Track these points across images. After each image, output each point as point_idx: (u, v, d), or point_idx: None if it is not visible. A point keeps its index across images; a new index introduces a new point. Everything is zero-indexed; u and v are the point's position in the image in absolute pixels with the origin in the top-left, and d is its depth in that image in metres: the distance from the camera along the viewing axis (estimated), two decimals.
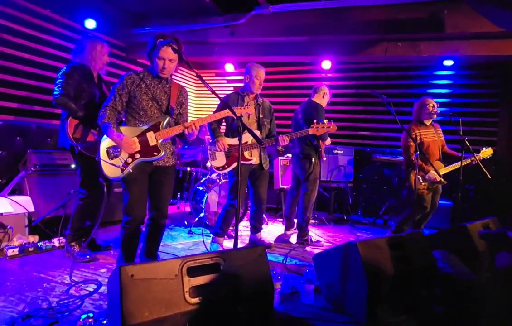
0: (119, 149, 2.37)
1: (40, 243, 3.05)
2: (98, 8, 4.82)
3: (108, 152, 2.39)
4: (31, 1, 4.05)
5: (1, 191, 3.41)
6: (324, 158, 3.74)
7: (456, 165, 3.63)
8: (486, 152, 3.72)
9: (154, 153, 2.40)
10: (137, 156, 2.38)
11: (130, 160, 2.37)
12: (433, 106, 3.71)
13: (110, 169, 2.37)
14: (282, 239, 3.97)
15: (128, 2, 5.06)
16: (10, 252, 2.83)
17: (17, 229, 3.09)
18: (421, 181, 3.59)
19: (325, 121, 3.44)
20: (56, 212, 3.43)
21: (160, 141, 2.41)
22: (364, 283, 1.98)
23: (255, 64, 3.34)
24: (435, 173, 3.43)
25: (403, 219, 3.79)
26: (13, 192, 3.42)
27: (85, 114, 2.85)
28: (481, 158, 3.65)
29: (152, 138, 2.39)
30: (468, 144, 3.64)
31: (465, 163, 3.60)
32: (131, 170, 2.37)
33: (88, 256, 2.91)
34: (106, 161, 2.38)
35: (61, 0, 4.43)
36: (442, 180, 3.54)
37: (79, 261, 2.84)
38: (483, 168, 3.59)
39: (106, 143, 2.40)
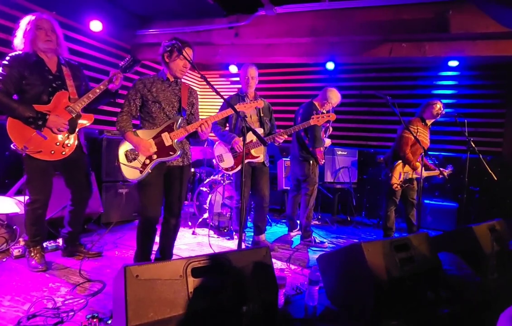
0: (137, 152, 2.44)
1: (46, 243, 3.05)
2: (104, 10, 4.84)
3: (126, 155, 2.47)
4: (37, 3, 4.07)
5: (7, 191, 3.44)
6: (322, 162, 3.77)
7: (434, 172, 3.96)
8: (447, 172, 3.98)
9: (170, 153, 2.46)
10: (155, 157, 2.45)
11: (148, 161, 2.44)
12: (439, 108, 3.76)
13: (130, 171, 2.45)
14: (285, 240, 3.97)
15: (133, 4, 5.08)
16: (16, 252, 2.85)
17: (23, 229, 3.10)
18: (401, 177, 3.82)
19: (324, 111, 3.47)
20: (61, 213, 3.44)
21: (175, 141, 2.46)
22: (369, 285, 1.97)
23: (245, 64, 3.44)
24: (419, 169, 3.64)
25: (384, 219, 3.98)
26: (19, 193, 3.45)
27: (32, 113, 2.44)
28: (445, 175, 3.89)
29: (167, 139, 2.45)
30: (473, 145, 3.62)
31: (435, 174, 3.97)
32: (150, 171, 2.43)
33: (40, 266, 2.63)
34: (125, 164, 2.47)
35: (67, 2, 4.46)
36: (414, 177, 3.87)
37: (32, 271, 2.62)
38: (489, 170, 3.57)
39: (124, 147, 2.49)
